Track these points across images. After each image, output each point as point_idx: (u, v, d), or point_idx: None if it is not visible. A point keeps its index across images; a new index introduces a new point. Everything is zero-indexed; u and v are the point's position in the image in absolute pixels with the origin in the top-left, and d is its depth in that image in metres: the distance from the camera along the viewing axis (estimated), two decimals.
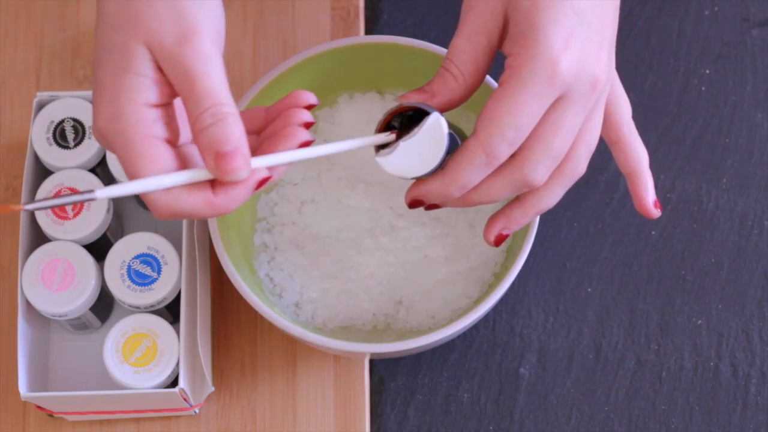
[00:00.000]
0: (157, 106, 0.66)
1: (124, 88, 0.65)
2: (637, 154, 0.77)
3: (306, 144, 0.68)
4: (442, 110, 0.72)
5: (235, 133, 0.65)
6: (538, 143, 0.70)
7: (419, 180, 0.72)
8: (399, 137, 0.71)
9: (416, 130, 0.71)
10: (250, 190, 0.67)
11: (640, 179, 0.77)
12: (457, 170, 0.71)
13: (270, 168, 0.68)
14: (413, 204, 0.74)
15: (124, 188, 0.64)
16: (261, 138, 0.70)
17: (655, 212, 0.78)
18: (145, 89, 0.65)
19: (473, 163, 0.70)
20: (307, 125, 0.69)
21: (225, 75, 0.66)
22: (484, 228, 0.76)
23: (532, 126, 0.69)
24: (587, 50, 0.69)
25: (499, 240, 0.76)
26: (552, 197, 0.74)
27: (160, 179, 0.64)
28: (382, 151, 0.71)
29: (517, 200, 0.74)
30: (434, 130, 0.70)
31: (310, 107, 0.70)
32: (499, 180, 0.71)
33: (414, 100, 0.72)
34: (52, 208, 0.64)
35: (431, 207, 0.74)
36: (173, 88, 0.66)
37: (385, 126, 0.72)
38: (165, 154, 0.65)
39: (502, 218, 0.75)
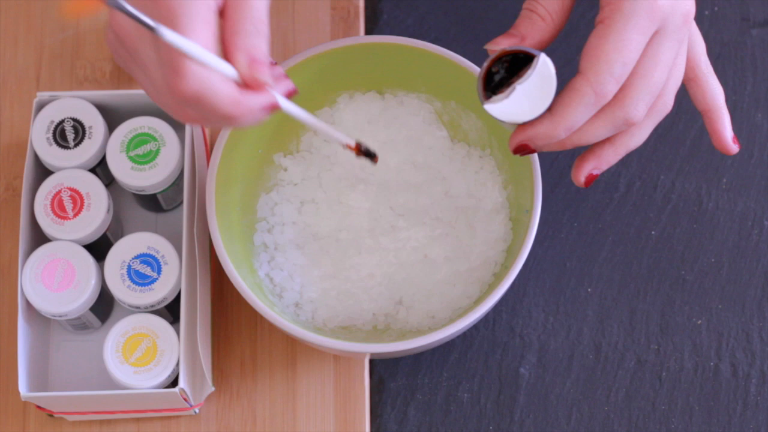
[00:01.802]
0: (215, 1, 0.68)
1: None
2: (713, 91, 0.77)
3: (291, 92, 0.71)
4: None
5: (267, 49, 0.68)
6: (638, 79, 0.70)
7: (524, 124, 0.72)
8: (501, 83, 0.71)
9: (528, 72, 0.70)
10: (266, 108, 0.68)
11: (718, 116, 0.77)
12: (566, 111, 0.70)
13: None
14: (519, 149, 0.73)
15: (185, 43, 0.65)
16: None
17: (734, 147, 0.77)
18: None
19: (582, 103, 0.70)
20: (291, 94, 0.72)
21: (268, 6, 0.69)
22: (573, 169, 0.76)
23: (635, 60, 0.69)
24: None
25: (589, 180, 0.75)
26: (642, 134, 0.74)
27: (211, 56, 0.66)
28: (494, 98, 0.71)
29: (607, 139, 0.74)
30: (545, 70, 0.70)
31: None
32: (601, 119, 0.71)
33: (504, 45, 0.71)
34: (128, 14, 0.64)
35: (528, 151, 0.74)
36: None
37: (487, 75, 0.71)
38: (213, 40, 0.67)
39: (593, 158, 0.75)
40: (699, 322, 0.90)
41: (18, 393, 0.83)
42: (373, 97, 0.88)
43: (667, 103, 0.73)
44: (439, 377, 0.89)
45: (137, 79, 0.71)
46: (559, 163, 0.92)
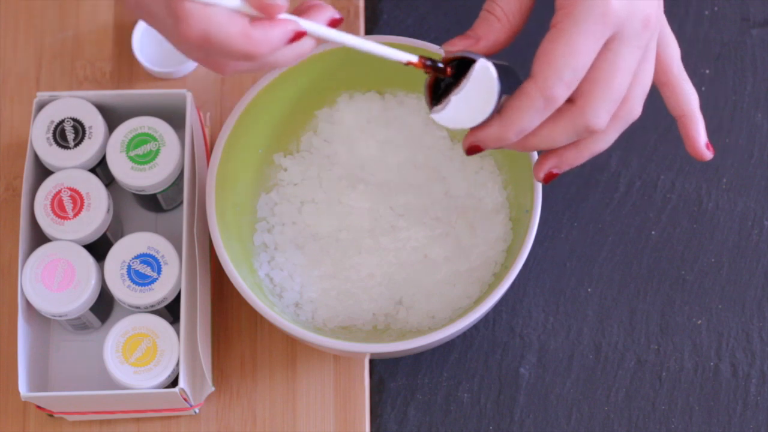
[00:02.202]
0: None
1: None
2: (687, 96, 0.76)
3: (336, 21, 0.67)
4: (489, 54, 0.71)
5: None
6: (597, 86, 0.69)
7: (476, 126, 0.72)
8: (447, 89, 0.70)
9: (464, 81, 0.70)
10: (286, 37, 0.65)
11: (691, 121, 0.76)
12: (515, 114, 0.70)
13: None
14: (471, 150, 0.73)
15: None
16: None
17: (708, 154, 0.76)
18: None
19: (531, 107, 0.69)
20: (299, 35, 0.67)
21: None
22: (534, 164, 0.75)
23: (587, 66, 0.69)
24: None
25: (548, 178, 0.75)
26: (607, 140, 0.73)
27: None
28: (436, 108, 0.71)
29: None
30: (483, 77, 0.70)
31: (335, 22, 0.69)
32: (561, 125, 0.71)
33: (459, 46, 0.71)
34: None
35: (480, 151, 0.73)
36: None
37: (434, 81, 0.71)
38: None
39: (554, 157, 0.74)
40: (699, 322, 0.90)
41: (18, 393, 0.83)
42: (373, 97, 0.88)
43: (633, 109, 0.72)
44: (439, 377, 0.89)
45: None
46: None
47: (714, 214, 0.92)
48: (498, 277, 0.84)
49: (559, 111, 0.70)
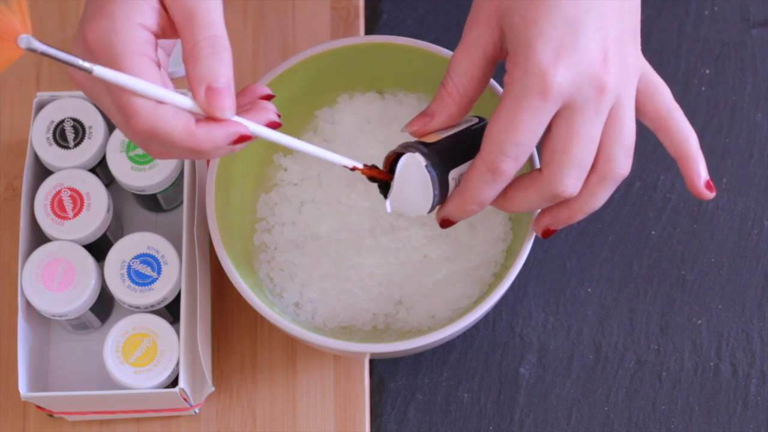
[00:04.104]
0: (151, 32, 0.67)
1: (125, 7, 0.66)
2: (682, 137, 0.76)
3: (275, 124, 0.69)
4: (444, 127, 0.73)
5: (227, 71, 0.66)
6: (556, 155, 0.71)
7: (440, 204, 0.74)
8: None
9: (393, 178, 0.73)
10: (229, 139, 0.67)
11: (689, 162, 0.76)
12: (469, 188, 0.72)
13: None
14: (444, 224, 0.76)
15: (120, 77, 0.64)
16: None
17: (709, 194, 0.77)
18: (144, 13, 0.66)
19: (482, 180, 0.71)
20: (268, 97, 0.70)
21: (223, 18, 0.67)
22: (533, 221, 0.77)
23: (534, 139, 0.70)
24: (584, 57, 0.69)
25: (546, 233, 0.77)
26: (595, 200, 0.74)
27: (156, 87, 0.64)
28: (387, 198, 0.74)
29: (563, 202, 0.75)
30: (409, 170, 0.73)
31: (268, 97, 0.71)
32: (531, 193, 0.73)
33: (415, 126, 0.74)
34: (58, 60, 0.62)
35: (452, 224, 0.76)
36: (168, 24, 0.67)
37: (390, 168, 0.74)
38: (155, 72, 0.65)
39: (549, 216, 0.76)
40: (699, 322, 0.90)
41: (18, 393, 0.83)
42: (373, 97, 0.88)
43: (617, 168, 0.73)
44: (439, 377, 0.89)
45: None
46: None
47: (714, 214, 0.92)
48: (498, 277, 0.84)
49: (531, 178, 0.73)
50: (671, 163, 0.93)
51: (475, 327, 0.89)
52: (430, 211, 0.74)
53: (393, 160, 0.74)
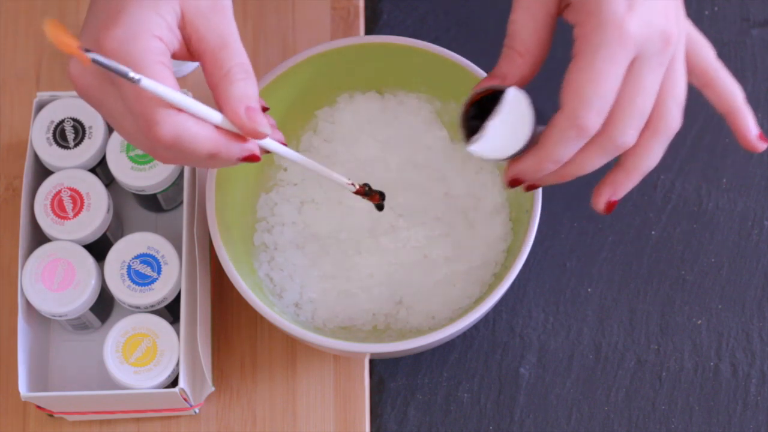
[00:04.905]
0: (165, 46, 0.69)
1: (144, 20, 0.68)
2: (729, 92, 0.76)
3: (254, 157, 0.72)
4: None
5: (257, 93, 0.70)
6: (620, 107, 0.70)
7: (514, 159, 0.73)
8: (477, 126, 0.72)
9: (498, 108, 0.71)
10: (242, 154, 0.70)
11: (738, 116, 0.76)
12: (550, 146, 0.71)
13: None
14: (513, 183, 0.74)
15: (166, 91, 0.66)
16: None
17: (761, 145, 0.77)
18: (162, 28, 0.68)
19: (564, 138, 0.70)
20: (263, 109, 0.72)
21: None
22: (592, 197, 0.76)
23: (615, 90, 0.69)
24: (652, 8, 0.69)
25: (610, 207, 0.76)
26: (652, 156, 0.74)
27: (195, 102, 0.68)
28: (472, 139, 0.72)
29: (618, 165, 0.74)
30: (515, 103, 0.71)
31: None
32: (591, 150, 0.71)
33: (488, 86, 0.72)
34: (109, 69, 0.64)
35: (531, 187, 0.76)
36: (179, 45, 0.70)
37: (467, 117, 0.72)
38: (173, 81, 0.68)
39: (608, 186, 0.75)
40: (699, 322, 0.90)
41: (18, 393, 0.83)
42: (373, 97, 0.88)
43: (670, 123, 0.72)
44: (439, 377, 0.89)
45: (107, 121, 0.72)
46: None
47: (714, 214, 0.92)
48: (498, 277, 0.84)
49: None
50: (671, 163, 0.93)
51: (475, 327, 0.89)
52: (512, 156, 0.72)
53: (477, 100, 0.72)
